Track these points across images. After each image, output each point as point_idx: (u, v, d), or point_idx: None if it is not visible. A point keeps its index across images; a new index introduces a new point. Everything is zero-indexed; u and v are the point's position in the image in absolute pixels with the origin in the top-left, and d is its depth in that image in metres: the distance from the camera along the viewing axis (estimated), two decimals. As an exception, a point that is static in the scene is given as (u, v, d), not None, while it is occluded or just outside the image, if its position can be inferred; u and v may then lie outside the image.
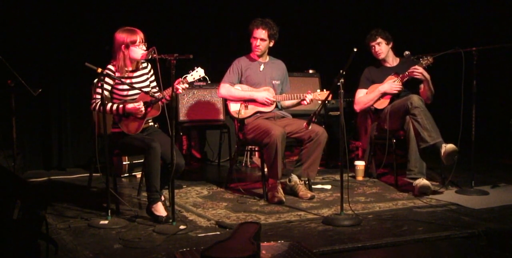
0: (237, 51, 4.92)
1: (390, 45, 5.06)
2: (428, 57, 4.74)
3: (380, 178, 5.19)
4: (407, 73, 4.83)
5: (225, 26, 6.54)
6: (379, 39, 5.00)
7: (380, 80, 5.02)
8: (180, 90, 3.91)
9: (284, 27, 4.89)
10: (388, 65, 5.11)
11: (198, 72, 3.96)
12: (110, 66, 3.96)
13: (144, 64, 4.10)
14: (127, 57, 3.94)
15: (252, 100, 4.65)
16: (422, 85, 4.92)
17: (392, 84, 4.90)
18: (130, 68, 4.02)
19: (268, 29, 4.60)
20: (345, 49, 3.89)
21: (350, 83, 4.51)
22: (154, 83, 4.15)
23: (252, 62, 4.75)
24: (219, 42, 6.62)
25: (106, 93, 3.86)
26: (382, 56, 5.05)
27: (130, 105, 3.88)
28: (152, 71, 4.14)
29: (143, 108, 3.89)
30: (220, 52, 6.42)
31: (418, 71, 4.78)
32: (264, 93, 4.62)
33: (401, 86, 4.88)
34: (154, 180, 3.75)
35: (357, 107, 5.16)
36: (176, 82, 3.83)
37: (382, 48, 5.02)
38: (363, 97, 5.09)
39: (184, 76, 3.95)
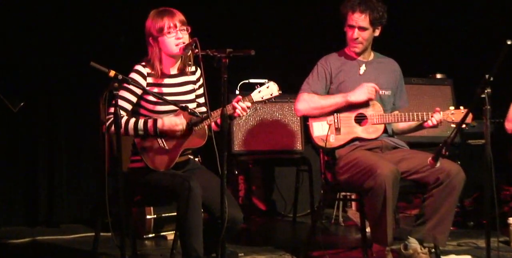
0: (323, 47, 4.87)
1: None
2: None
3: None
4: None
5: (305, 7, 6.54)
6: None
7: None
8: (239, 112, 3.90)
9: (396, 9, 4.84)
10: None
11: (270, 89, 3.99)
12: (138, 68, 4.01)
13: (193, 69, 4.14)
14: (162, 53, 3.99)
15: (350, 109, 4.59)
16: None
17: None
18: (173, 72, 4.06)
19: (370, 12, 4.59)
20: (488, 44, 3.78)
21: (502, 94, 4.42)
22: (202, 99, 4.18)
23: (347, 62, 4.75)
24: (296, 31, 6.62)
25: (128, 106, 3.89)
26: None
27: (166, 121, 3.88)
28: (202, 81, 4.14)
29: (181, 127, 3.89)
30: (297, 47, 6.42)
31: None
32: (363, 90, 4.53)
33: None
34: (194, 239, 3.73)
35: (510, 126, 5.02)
36: (235, 99, 3.84)
37: None
38: None
39: (248, 93, 3.92)
